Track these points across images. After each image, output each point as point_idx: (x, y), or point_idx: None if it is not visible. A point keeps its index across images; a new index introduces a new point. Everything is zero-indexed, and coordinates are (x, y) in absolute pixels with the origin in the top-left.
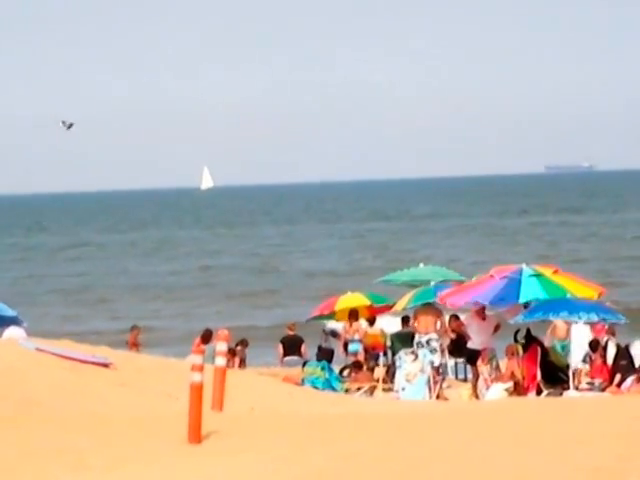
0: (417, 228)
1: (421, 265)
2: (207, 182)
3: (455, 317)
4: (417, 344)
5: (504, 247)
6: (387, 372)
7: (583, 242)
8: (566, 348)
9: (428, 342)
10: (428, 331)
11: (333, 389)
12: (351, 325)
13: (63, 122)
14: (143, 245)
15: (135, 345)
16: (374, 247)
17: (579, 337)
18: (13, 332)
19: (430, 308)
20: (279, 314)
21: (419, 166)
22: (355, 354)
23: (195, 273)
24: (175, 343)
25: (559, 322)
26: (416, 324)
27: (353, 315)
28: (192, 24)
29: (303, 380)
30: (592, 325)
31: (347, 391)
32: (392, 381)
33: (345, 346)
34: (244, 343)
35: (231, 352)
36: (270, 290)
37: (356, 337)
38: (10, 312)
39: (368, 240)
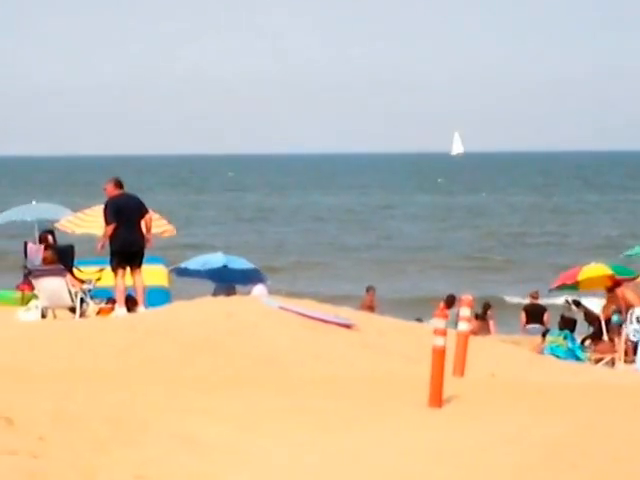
0: None
1: None
2: (457, 148)
3: None
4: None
5: None
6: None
7: None
8: None
9: None
10: None
11: (576, 359)
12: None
13: None
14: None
15: (370, 307)
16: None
17: None
18: (259, 290)
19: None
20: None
21: None
22: (619, 326)
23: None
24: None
25: None
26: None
27: (615, 286)
28: None
29: (544, 349)
30: None
31: (589, 361)
32: (634, 353)
33: (590, 316)
34: (489, 307)
35: (480, 318)
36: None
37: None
38: (249, 265)
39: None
